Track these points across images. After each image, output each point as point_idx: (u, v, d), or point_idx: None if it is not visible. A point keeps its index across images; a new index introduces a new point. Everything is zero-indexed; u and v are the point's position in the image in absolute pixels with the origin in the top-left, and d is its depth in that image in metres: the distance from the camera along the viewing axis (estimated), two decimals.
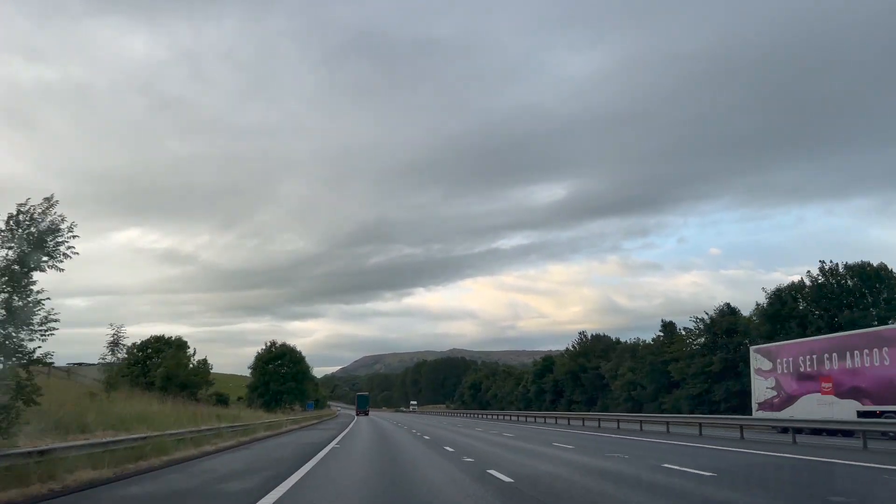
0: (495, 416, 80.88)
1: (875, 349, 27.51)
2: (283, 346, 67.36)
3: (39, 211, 12.66)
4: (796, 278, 48.63)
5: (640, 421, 37.56)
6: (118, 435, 16.70)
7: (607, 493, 10.71)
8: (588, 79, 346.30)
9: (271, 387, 64.51)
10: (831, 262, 45.89)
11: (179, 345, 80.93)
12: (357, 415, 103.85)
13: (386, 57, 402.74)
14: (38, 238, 12.48)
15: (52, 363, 17.93)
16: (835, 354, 29.72)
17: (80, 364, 55.80)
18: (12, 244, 12.31)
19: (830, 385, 29.66)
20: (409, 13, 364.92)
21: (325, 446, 23.55)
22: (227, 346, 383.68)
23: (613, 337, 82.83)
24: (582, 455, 18.76)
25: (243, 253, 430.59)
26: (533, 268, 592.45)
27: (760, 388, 35.08)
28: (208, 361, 78.88)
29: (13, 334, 11.91)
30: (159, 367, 67.78)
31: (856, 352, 28.43)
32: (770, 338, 43.60)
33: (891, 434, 23.13)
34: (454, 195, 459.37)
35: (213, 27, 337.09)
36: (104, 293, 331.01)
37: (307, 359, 72.40)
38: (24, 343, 12.03)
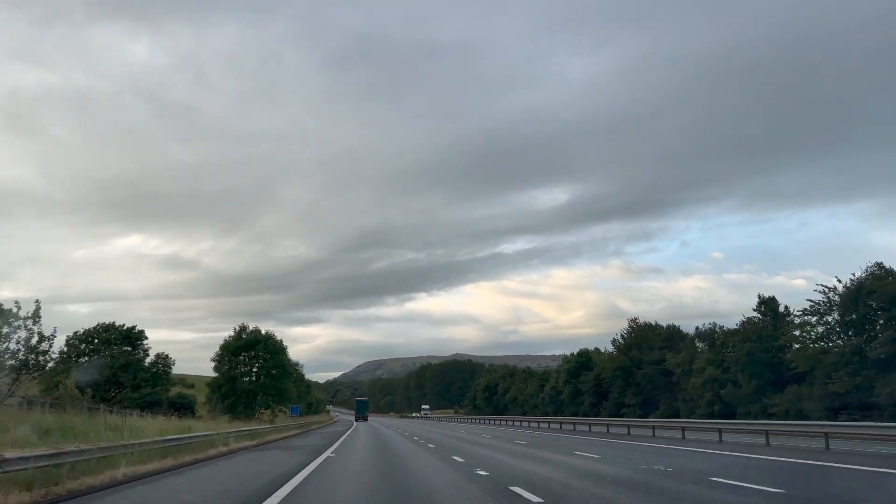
0: (517, 423, 64.86)
1: None
2: (256, 331, 51.47)
3: None
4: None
5: (720, 430, 28.61)
6: None
7: None
8: (590, 83, 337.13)
9: (239, 385, 48.72)
10: None
11: (130, 336, 65.43)
12: (356, 420, 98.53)
13: (388, 61, 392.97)
14: None
15: None
16: None
17: None
18: None
19: None
20: (410, 18, 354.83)
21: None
22: None
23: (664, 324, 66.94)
24: None
25: (246, 258, 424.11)
26: (535, 272, 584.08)
27: None
28: (169, 358, 63.98)
29: None
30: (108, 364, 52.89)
31: None
32: None
33: None
34: (457, 200, 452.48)
35: (215, 33, 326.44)
36: (106, 299, 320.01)
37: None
38: None
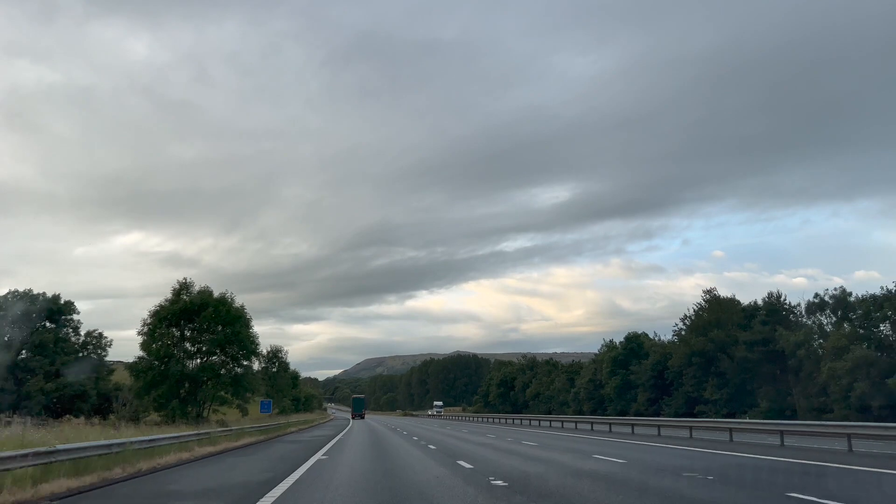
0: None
1: None
2: (205, 293, 35.79)
3: None
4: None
5: None
6: None
7: None
8: (592, 81, 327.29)
9: (172, 369, 33.12)
10: None
11: (53, 309, 49.83)
12: (353, 418, 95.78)
13: (389, 59, 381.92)
14: None
15: None
16: None
17: None
18: None
19: None
20: (412, 15, 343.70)
21: None
22: None
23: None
24: None
25: (246, 256, 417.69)
26: (536, 270, 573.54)
27: None
28: (103, 336, 48.74)
29: None
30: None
31: None
32: None
33: None
34: (457, 198, 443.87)
35: (216, 30, 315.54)
36: (106, 296, 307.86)
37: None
38: None
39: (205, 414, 35.78)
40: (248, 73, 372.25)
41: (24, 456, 11.00)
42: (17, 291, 47.97)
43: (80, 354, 46.63)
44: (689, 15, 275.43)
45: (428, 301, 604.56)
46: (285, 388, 70.98)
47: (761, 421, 30.20)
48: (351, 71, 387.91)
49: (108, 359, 49.31)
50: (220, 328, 34.88)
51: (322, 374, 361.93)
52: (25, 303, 47.01)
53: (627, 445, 22.54)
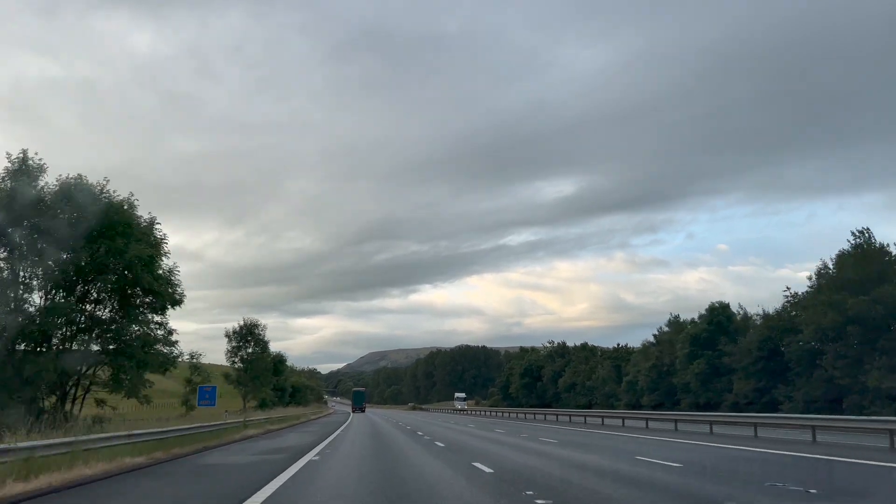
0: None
1: None
2: (71, 184, 19.83)
3: None
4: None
5: None
6: None
7: None
8: (597, 74, 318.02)
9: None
10: None
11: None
12: (353, 411, 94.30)
13: (393, 52, 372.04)
14: None
15: None
16: None
17: None
18: None
19: None
20: (416, 8, 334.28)
21: None
22: None
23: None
24: None
25: (250, 250, 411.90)
26: (540, 264, 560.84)
27: None
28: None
29: None
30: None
31: None
32: None
33: None
34: (461, 192, 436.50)
35: (219, 22, 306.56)
36: None
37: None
38: None
39: (68, 408, 20.02)
40: (251, 66, 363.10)
41: None
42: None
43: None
44: (694, 7, 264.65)
45: (431, 295, 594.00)
46: (264, 375, 55.47)
47: None
48: (355, 64, 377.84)
49: None
50: (99, 249, 19.23)
51: (326, 368, 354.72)
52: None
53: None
